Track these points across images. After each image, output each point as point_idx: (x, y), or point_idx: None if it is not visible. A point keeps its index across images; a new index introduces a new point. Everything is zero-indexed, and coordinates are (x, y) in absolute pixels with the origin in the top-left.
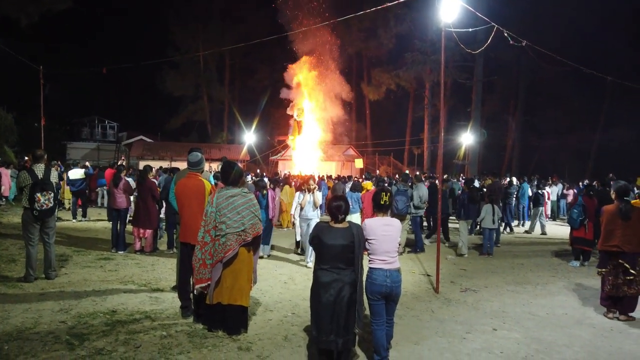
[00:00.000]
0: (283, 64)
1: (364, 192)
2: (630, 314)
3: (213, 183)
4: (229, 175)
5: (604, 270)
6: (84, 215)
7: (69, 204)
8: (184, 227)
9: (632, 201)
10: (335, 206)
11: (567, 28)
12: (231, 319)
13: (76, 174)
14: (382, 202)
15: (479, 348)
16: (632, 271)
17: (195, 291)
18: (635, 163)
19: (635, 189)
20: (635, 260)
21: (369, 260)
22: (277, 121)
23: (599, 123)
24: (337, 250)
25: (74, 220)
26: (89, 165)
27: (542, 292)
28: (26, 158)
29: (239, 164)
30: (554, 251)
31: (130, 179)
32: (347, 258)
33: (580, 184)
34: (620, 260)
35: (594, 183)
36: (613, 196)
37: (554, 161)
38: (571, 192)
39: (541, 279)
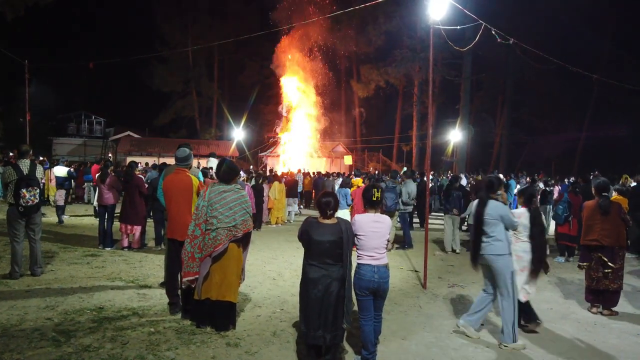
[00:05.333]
0: (271, 61)
1: (354, 188)
2: (613, 309)
3: (201, 179)
4: (223, 174)
5: (585, 264)
6: (63, 212)
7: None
8: (171, 223)
9: (612, 197)
10: (325, 202)
11: (553, 27)
12: (220, 315)
13: (61, 171)
14: (374, 199)
15: (465, 343)
16: (610, 264)
17: (183, 285)
18: (621, 159)
19: (619, 185)
20: (614, 254)
21: (357, 256)
22: (266, 117)
23: (586, 120)
24: (325, 246)
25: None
26: (72, 170)
27: None
28: (11, 154)
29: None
30: None
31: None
32: (335, 254)
33: (567, 180)
34: (599, 254)
35: (579, 180)
36: (593, 192)
37: (541, 158)
38: (556, 188)
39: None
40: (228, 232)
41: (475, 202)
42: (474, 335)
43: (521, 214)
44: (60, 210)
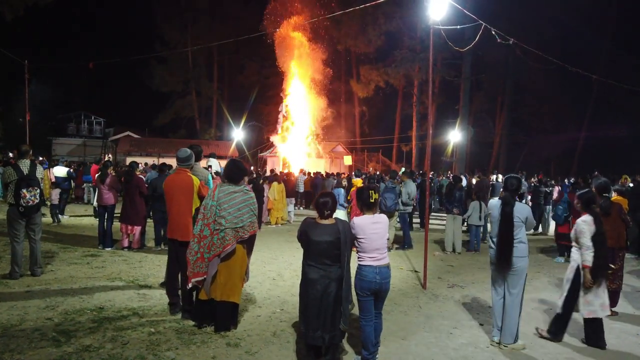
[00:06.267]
0: (271, 61)
1: (353, 189)
2: (613, 309)
3: (210, 181)
4: (231, 173)
5: None
6: (62, 213)
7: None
8: (171, 223)
9: (612, 197)
10: (322, 202)
11: (553, 27)
12: (222, 315)
13: (60, 171)
14: (372, 201)
15: (465, 343)
16: (611, 265)
17: (190, 284)
18: (621, 159)
19: (619, 185)
20: (615, 255)
21: (358, 258)
22: (266, 118)
23: (585, 120)
24: (323, 246)
25: (59, 216)
26: (72, 170)
27: (527, 287)
28: (11, 154)
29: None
30: (540, 247)
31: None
32: (333, 254)
33: (566, 180)
34: None
35: (579, 180)
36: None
37: (541, 158)
38: (556, 189)
39: (527, 275)
40: (235, 233)
41: (494, 201)
42: (521, 346)
43: (591, 221)
44: (55, 209)
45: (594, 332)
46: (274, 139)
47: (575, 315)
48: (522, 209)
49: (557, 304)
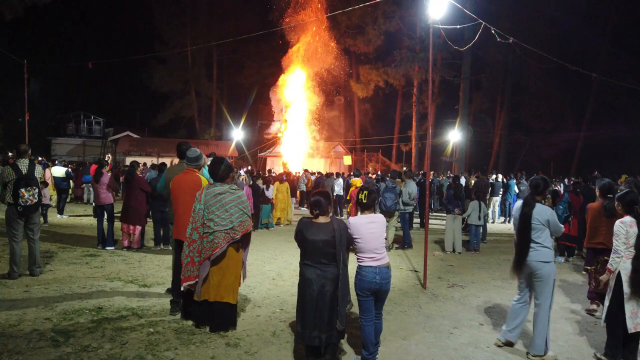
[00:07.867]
0: (271, 61)
1: (352, 189)
2: None
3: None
4: (218, 171)
5: (591, 267)
6: (61, 212)
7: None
8: (177, 223)
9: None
10: (313, 202)
11: (553, 26)
12: (218, 316)
13: (58, 171)
14: (358, 200)
15: (465, 343)
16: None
17: (183, 288)
18: (620, 160)
19: (625, 186)
20: None
21: (358, 258)
22: (265, 117)
23: (584, 120)
24: (318, 245)
25: (58, 216)
26: (70, 170)
27: None
28: (10, 154)
29: (228, 160)
30: None
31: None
32: (329, 253)
33: (566, 180)
34: (605, 257)
35: (579, 180)
36: (597, 194)
37: (540, 158)
38: (558, 188)
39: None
40: (226, 235)
41: (518, 202)
42: (552, 357)
43: (632, 223)
44: (43, 209)
45: (631, 351)
46: (274, 132)
47: (579, 316)
48: (542, 211)
49: (601, 318)
